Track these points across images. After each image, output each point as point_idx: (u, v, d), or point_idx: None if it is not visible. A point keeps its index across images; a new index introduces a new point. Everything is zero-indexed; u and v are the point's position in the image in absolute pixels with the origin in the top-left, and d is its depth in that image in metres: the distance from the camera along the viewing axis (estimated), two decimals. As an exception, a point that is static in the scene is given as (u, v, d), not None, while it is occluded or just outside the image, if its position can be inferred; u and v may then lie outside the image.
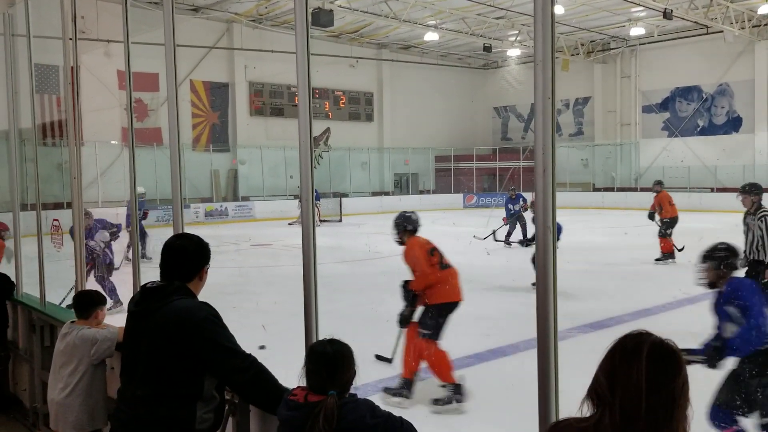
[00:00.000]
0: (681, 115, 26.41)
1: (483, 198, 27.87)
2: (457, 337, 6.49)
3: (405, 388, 4.63)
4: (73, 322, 3.17)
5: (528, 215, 10.57)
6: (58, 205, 12.67)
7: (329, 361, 1.91)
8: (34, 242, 4.60)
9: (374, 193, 27.84)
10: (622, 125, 27.97)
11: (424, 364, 4.68)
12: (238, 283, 9.81)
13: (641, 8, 21.21)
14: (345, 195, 24.53)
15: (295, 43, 2.29)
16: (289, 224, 19.54)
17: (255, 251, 14.45)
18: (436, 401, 4.49)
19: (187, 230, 2.61)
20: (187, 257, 2.28)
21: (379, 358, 5.22)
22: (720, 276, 3.53)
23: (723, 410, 3.37)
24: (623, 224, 16.77)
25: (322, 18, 18.27)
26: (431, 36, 24.33)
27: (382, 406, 1.93)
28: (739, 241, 6.54)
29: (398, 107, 28.94)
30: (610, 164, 28.10)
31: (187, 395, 2.10)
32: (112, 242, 8.19)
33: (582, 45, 27.37)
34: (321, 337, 2.15)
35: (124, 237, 8.85)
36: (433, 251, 4.71)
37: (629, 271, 10.63)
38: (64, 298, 5.43)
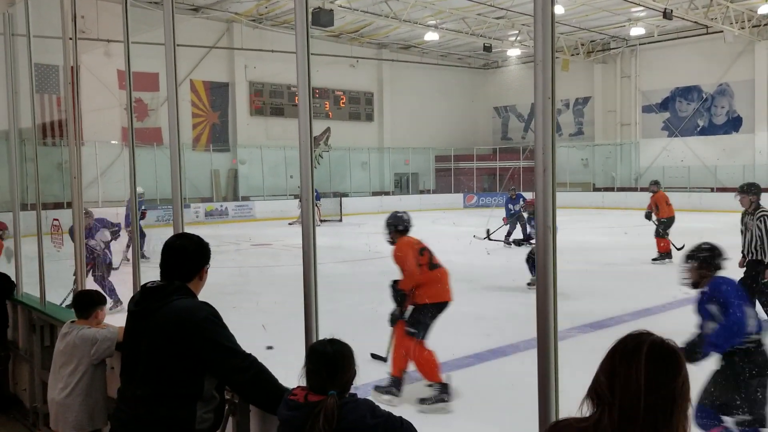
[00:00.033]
0: (681, 115, 26.41)
1: (483, 198, 27.87)
2: (457, 337, 6.50)
3: (394, 386, 4.67)
4: (73, 321, 3.17)
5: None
6: (58, 205, 12.67)
7: (329, 360, 1.91)
8: (34, 242, 4.60)
9: (374, 193, 27.84)
10: (622, 125, 27.97)
11: (411, 363, 4.71)
12: (239, 283, 9.81)
13: (641, 8, 21.21)
14: (345, 195, 24.54)
15: (295, 42, 2.29)
16: (290, 224, 19.54)
17: (255, 251, 14.45)
18: (423, 400, 4.50)
19: (187, 230, 2.61)
20: (188, 257, 2.28)
21: (374, 356, 5.24)
22: (703, 276, 3.56)
23: (707, 409, 3.38)
24: (623, 224, 16.77)
25: (322, 18, 18.27)
26: (431, 36, 24.33)
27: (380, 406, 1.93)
28: (738, 241, 6.57)
29: (398, 107, 28.94)
30: (610, 164, 28.10)
31: (187, 395, 2.10)
32: (113, 242, 8.19)
33: (582, 45, 27.37)
34: (321, 337, 2.15)
35: (123, 237, 8.86)
36: (422, 251, 4.73)
37: (629, 271, 10.63)
38: (65, 299, 5.43)
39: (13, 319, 4.61)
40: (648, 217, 11.52)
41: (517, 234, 13.24)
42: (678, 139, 26.35)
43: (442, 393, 4.53)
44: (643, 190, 12.43)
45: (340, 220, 21.22)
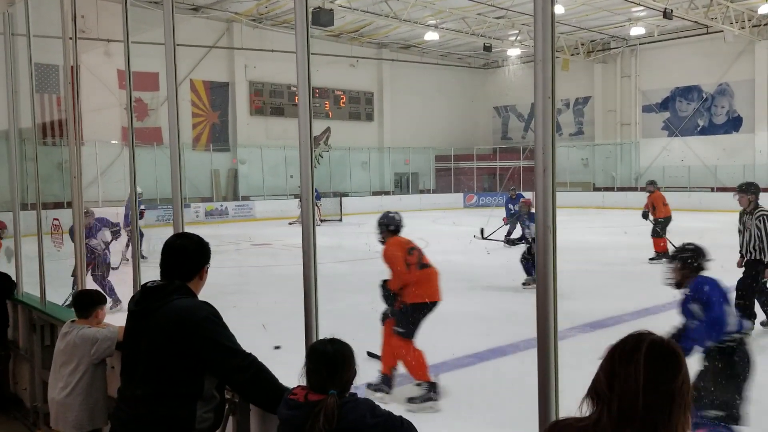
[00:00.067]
0: (681, 115, 26.41)
1: (483, 198, 27.86)
2: (457, 337, 6.50)
3: (384, 383, 4.72)
4: (73, 321, 3.18)
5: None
6: (58, 205, 12.67)
7: (330, 360, 1.91)
8: (34, 242, 4.60)
9: (374, 193, 27.84)
10: (622, 125, 27.97)
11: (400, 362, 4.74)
12: (239, 283, 9.81)
13: (641, 8, 21.20)
14: (345, 194, 24.54)
15: (295, 42, 2.29)
16: (290, 224, 19.54)
17: (255, 251, 14.46)
18: (411, 399, 4.52)
19: (188, 230, 2.61)
20: (188, 256, 2.28)
21: (370, 355, 5.26)
22: (686, 276, 3.62)
23: (693, 410, 3.41)
24: (623, 224, 16.76)
25: (322, 17, 18.27)
26: (431, 35, 24.32)
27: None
28: (738, 241, 6.56)
29: (398, 107, 28.94)
30: (610, 164, 28.09)
31: (187, 394, 2.10)
32: (114, 242, 8.19)
33: (582, 44, 27.36)
34: (321, 337, 2.15)
35: (123, 236, 8.86)
36: (411, 251, 4.77)
37: (629, 270, 10.63)
38: (66, 299, 5.43)
39: (14, 318, 4.61)
40: (645, 216, 11.57)
41: (517, 234, 13.23)
42: (678, 139, 26.35)
43: (431, 392, 4.56)
44: (643, 189, 12.43)
45: (340, 220, 21.22)
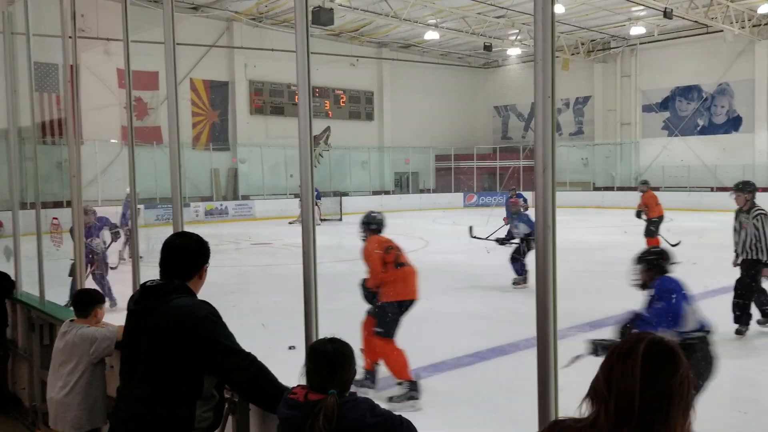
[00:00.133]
0: (681, 115, 26.41)
1: (483, 197, 27.86)
2: (457, 336, 6.50)
3: (368, 378, 4.77)
4: (72, 320, 3.17)
5: (502, 214, 10.65)
6: (57, 204, 12.67)
7: (330, 360, 1.91)
8: (33, 241, 4.60)
9: (374, 192, 27.83)
10: (622, 124, 27.96)
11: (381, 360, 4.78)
12: (238, 282, 9.81)
13: (641, 7, 21.20)
14: (345, 194, 24.53)
15: (295, 41, 2.29)
16: (290, 223, 19.54)
17: (255, 250, 14.46)
18: (392, 398, 4.53)
19: (187, 229, 2.61)
20: (187, 256, 2.27)
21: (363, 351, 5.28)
22: (651, 278, 3.75)
23: None
24: (623, 223, 16.76)
25: (322, 17, 18.26)
26: (431, 35, 24.31)
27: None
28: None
29: (398, 106, 28.93)
30: (610, 163, 28.09)
31: (186, 394, 2.10)
32: (113, 243, 8.20)
33: (582, 44, 27.36)
34: (321, 336, 2.15)
35: (121, 237, 8.86)
36: (389, 249, 4.82)
37: (629, 270, 10.61)
38: (69, 302, 5.42)
39: (13, 318, 4.60)
40: (639, 215, 11.64)
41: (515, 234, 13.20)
42: (678, 139, 26.35)
43: (412, 390, 4.59)
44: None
45: (340, 219, 21.21)
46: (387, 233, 5.07)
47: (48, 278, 4.45)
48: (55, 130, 16.70)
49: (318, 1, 18.32)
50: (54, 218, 4.88)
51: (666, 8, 19.68)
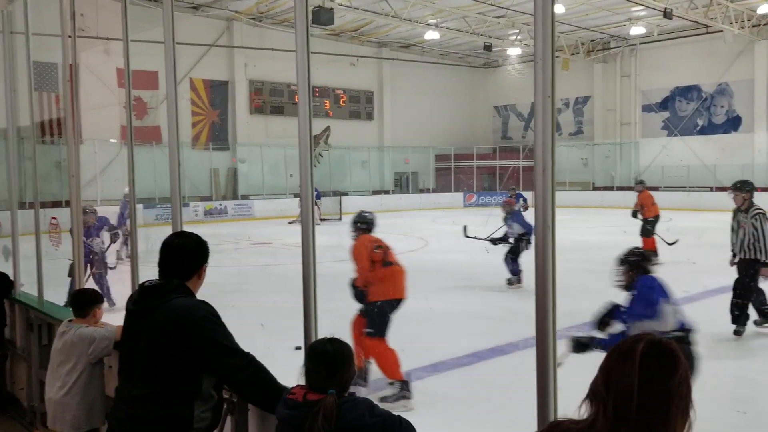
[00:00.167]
0: (680, 115, 26.41)
1: (483, 197, 27.87)
2: (456, 336, 6.50)
3: (360, 377, 4.76)
4: (70, 320, 3.17)
5: (500, 213, 10.64)
6: (56, 204, 12.67)
7: (329, 360, 1.91)
8: (32, 240, 4.59)
9: (374, 192, 27.84)
10: (622, 124, 27.97)
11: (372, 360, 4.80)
12: (237, 282, 9.81)
13: (641, 7, 21.20)
14: (345, 194, 24.52)
15: (295, 41, 2.28)
16: (289, 223, 19.53)
17: (254, 250, 14.45)
18: (384, 398, 4.53)
19: (186, 229, 2.60)
20: (186, 255, 2.27)
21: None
22: (632, 278, 3.80)
23: None
24: (622, 223, 16.77)
25: (322, 16, 18.26)
26: (432, 35, 24.31)
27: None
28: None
29: (398, 106, 28.93)
30: (610, 163, 28.10)
31: (185, 394, 2.09)
32: (113, 244, 8.19)
33: (582, 44, 27.36)
34: (320, 336, 2.15)
35: (120, 237, 8.85)
36: (377, 248, 4.84)
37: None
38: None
39: (11, 317, 4.60)
40: (634, 215, 11.66)
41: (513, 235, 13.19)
42: (677, 139, 26.36)
43: (403, 390, 4.59)
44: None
45: (340, 219, 21.19)
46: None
47: (47, 278, 4.45)
48: (54, 129, 16.69)
49: (318, 1, 18.31)
50: (53, 218, 4.87)
51: (666, 8, 19.68)
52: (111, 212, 9.76)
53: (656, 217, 11.50)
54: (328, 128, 23.02)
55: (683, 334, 3.58)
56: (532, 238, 10.32)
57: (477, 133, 31.79)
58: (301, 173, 2.37)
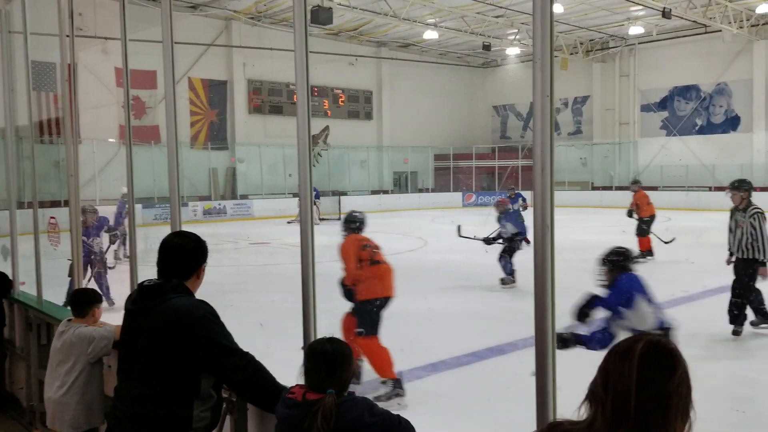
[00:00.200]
0: (679, 114, 26.44)
1: (482, 197, 27.87)
2: (455, 336, 6.50)
3: (353, 375, 4.73)
4: (69, 320, 3.17)
5: (494, 213, 10.63)
6: (55, 203, 12.65)
7: (329, 359, 1.91)
8: (30, 240, 4.58)
9: (373, 192, 27.84)
10: (621, 124, 27.99)
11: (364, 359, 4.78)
12: (236, 282, 9.80)
13: (640, 7, 21.21)
14: (344, 193, 24.52)
15: (293, 40, 2.28)
16: (288, 222, 19.53)
17: (253, 249, 14.45)
18: (378, 398, 4.52)
19: (185, 228, 2.60)
20: (185, 255, 2.27)
21: None
22: (614, 278, 3.86)
23: None
24: (621, 223, 16.79)
25: (321, 16, 18.25)
26: (430, 34, 24.31)
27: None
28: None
29: (397, 105, 28.93)
30: (609, 163, 28.12)
31: (184, 394, 2.09)
32: (111, 245, 8.19)
33: (581, 44, 27.37)
34: (319, 336, 2.15)
35: (118, 238, 8.84)
36: (365, 247, 4.87)
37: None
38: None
39: (10, 317, 4.59)
40: (630, 215, 11.68)
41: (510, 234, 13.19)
42: (676, 138, 26.39)
43: (396, 388, 4.59)
44: (641, 188, 12.49)
45: (339, 219, 21.15)
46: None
47: (45, 278, 4.44)
48: (52, 129, 16.67)
49: (317, 0, 18.30)
50: (51, 217, 4.87)
51: (664, 8, 19.69)
52: (109, 212, 9.75)
53: (652, 217, 11.51)
54: (326, 128, 23.02)
55: (662, 333, 3.61)
56: (527, 238, 10.24)
57: (476, 133, 31.80)
58: (300, 173, 2.37)
